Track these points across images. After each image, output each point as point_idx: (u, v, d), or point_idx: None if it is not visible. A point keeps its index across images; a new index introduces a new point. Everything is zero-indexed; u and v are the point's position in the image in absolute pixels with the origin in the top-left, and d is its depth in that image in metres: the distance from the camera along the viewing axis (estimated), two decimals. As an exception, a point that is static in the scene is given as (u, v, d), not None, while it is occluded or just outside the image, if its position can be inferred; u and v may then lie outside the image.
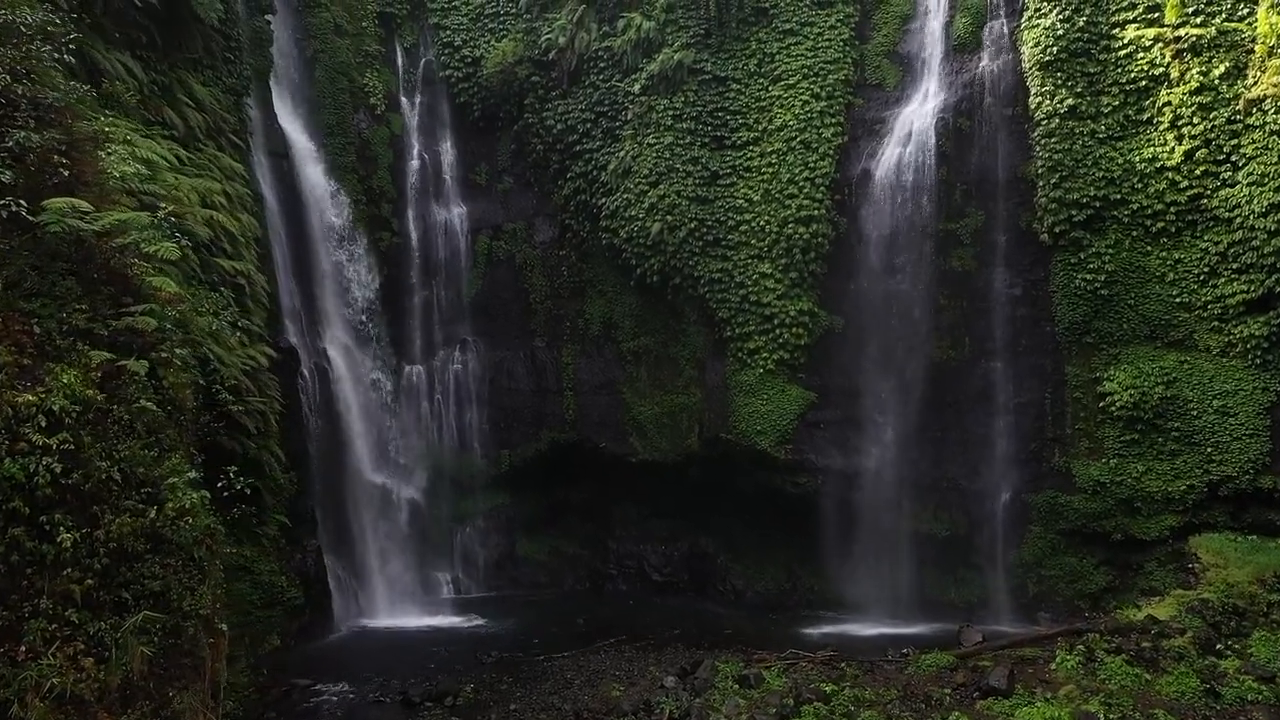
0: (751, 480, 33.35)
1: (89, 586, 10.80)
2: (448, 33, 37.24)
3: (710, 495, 34.62)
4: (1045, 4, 29.92)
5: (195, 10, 24.20)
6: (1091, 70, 29.29)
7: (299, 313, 30.70)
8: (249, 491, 26.10)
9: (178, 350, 13.20)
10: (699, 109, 33.42)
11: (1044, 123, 29.57)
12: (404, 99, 37.42)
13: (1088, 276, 29.14)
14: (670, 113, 33.51)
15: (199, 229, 21.64)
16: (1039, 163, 29.64)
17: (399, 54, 37.49)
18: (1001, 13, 31.34)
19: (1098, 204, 28.92)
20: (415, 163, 37.18)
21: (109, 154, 14.92)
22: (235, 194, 25.22)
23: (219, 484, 15.95)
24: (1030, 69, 29.99)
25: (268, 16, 32.10)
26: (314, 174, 32.79)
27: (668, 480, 34.96)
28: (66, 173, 12.71)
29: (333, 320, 32.65)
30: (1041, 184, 29.59)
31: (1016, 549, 30.31)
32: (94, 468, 11.02)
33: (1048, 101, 29.56)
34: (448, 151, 37.77)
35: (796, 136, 32.38)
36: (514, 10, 36.88)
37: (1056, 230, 29.40)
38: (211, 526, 12.69)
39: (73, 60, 18.24)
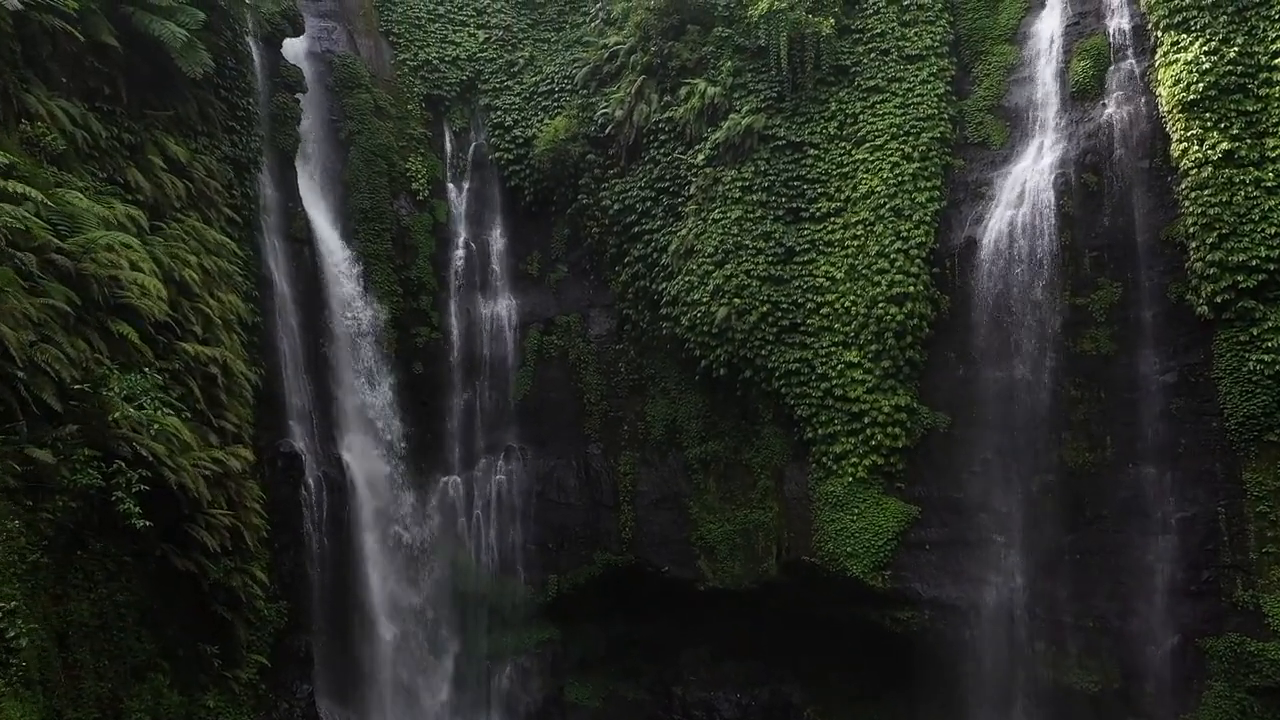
0: (843, 613, 28.24)
1: None
2: (499, 113, 34.38)
3: (794, 631, 29.58)
4: (1184, 36, 25.16)
5: (179, 65, 21.20)
6: (1250, 108, 24.30)
7: (310, 413, 26.96)
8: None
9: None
10: (771, 179, 29.42)
11: (1193, 173, 24.50)
12: (451, 184, 34.35)
13: (1264, 358, 23.41)
14: (739, 184, 29.53)
15: (147, 303, 17.95)
16: (1189, 221, 24.42)
17: (447, 138, 34.70)
18: (1129, 52, 26.75)
19: (1271, 267, 23.46)
20: (460, 252, 33.77)
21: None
22: (217, 270, 21.77)
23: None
24: (1170, 112, 25.12)
25: (297, 95, 29.58)
26: (339, 262, 29.61)
27: (742, 612, 29.99)
28: None
29: (352, 423, 28.79)
30: (1195, 246, 24.29)
31: (1192, 710, 23.97)
32: None
33: (1196, 148, 24.50)
34: (497, 239, 34.32)
35: (886, 204, 27.94)
36: (569, 87, 34.02)
37: (1218, 301, 23.91)
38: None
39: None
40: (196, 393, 19.96)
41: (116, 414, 15.07)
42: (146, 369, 16.68)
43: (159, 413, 16.16)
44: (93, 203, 17.14)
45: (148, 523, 15.66)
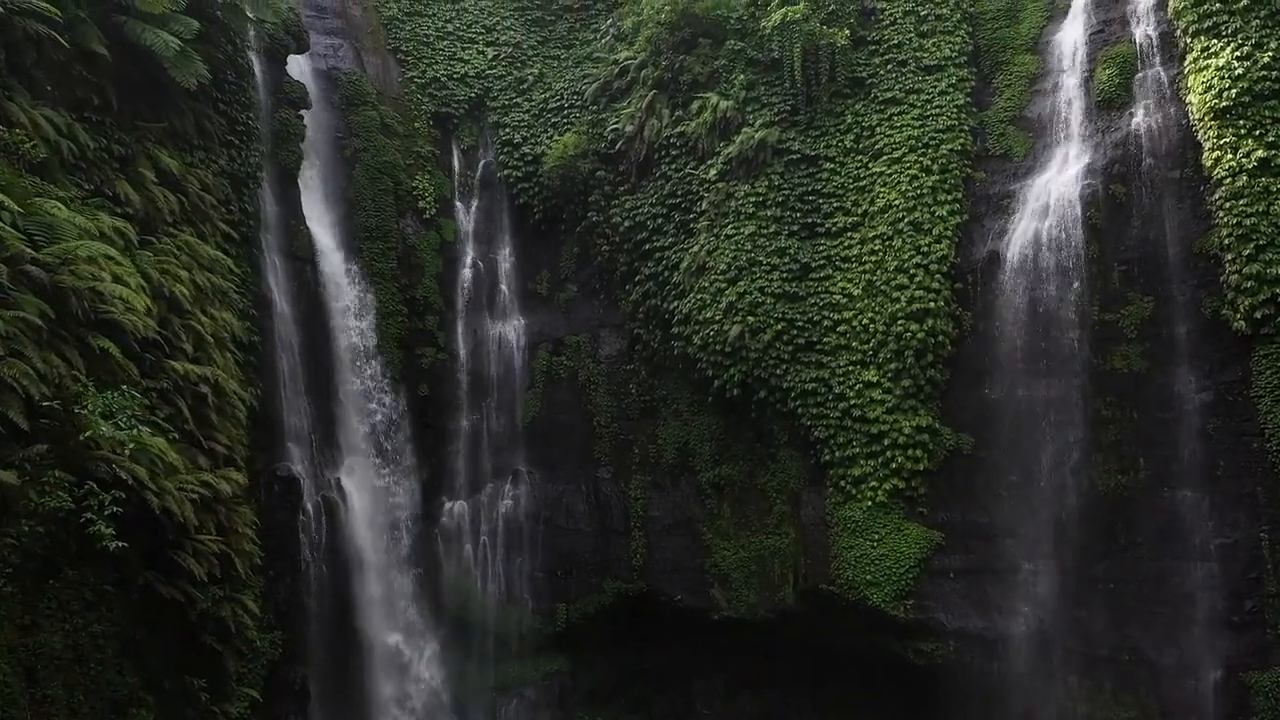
0: (863, 644, 27.07)
1: None
2: (507, 131, 33.74)
3: (812, 662, 28.32)
4: (1215, 41, 24.22)
5: (172, 75, 20.58)
6: (1287, 115, 23.06)
7: (309, 436, 26.12)
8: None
9: None
10: (785, 193, 28.64)
11: (1227, 182, 23.48)
12: (459, 203, 33.63)
13: (1307, 374, 22.07)
14: (752, 199, 28.71)
15: (132, 319, 17.18)
16: (1224, 232, 23.36)
17: (455, 155, 34.05)
18: (1156, 60, 25.85)
19: (1312, 279, 22.15)
20: (468, 271, 32.99)
21: None
22: (211, 287, 21.02)
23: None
24: (1201, 119, 24.15)
25: (300, 111, 29.01)
26: (342, 281, 28.90)
27: (758, 641, 28.74)
28: None
29: (354, 447, 27.93)
30: (1230, 258, 23.21)
31: (1238, 751, 22.25)
32: None
33: (1229, 156, 23.52)
34: (506, 258, 33.54)
35: (904, 217, 27.09)
36: (579, 103, 33.41)
37: (1257, 315, 22.78)
38: None
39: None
40: (185, 413, 19.13)
41: (88, 433, 14.23)
42: (126, 386, 15.83)
43: (138, 432, 15.28)
44: (75, 213, 16.42)
45: (121, 544, 14.70)
